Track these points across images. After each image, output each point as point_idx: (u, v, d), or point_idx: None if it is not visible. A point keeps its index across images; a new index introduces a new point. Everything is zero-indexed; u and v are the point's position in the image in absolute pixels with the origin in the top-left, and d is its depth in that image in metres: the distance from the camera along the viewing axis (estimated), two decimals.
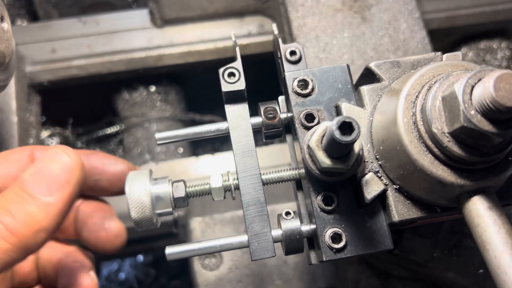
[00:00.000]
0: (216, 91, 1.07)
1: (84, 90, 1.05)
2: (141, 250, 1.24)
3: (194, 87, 1.14)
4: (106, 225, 0.65)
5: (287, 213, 0.55)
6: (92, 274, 0.66)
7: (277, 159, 0.91)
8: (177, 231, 0.91)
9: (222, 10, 1.01)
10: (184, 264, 1.27)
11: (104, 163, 0.64)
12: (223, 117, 1.21)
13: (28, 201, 0.50)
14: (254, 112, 0.60)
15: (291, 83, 0.55)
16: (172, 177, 0.58)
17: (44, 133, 1.03)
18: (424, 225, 0.63)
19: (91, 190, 0.66)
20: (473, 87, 0.41)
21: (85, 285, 0.64)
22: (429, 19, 0.99)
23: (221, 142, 1.38)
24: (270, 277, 0.82)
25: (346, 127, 0.42)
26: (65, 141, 1.11)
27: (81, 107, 1.13)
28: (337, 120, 0.42)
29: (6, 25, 0.62)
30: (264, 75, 0.94)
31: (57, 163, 0.53)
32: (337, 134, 0.42)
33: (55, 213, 0.51)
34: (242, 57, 0.58)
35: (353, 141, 0.42)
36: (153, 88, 1.07)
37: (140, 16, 1.02)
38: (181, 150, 1.05)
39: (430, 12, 1.00)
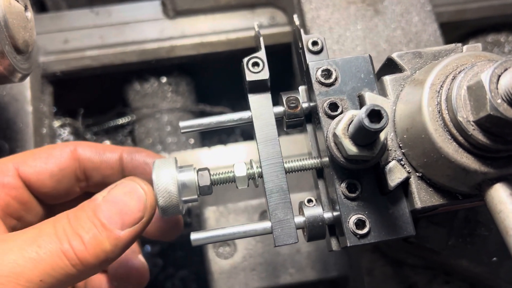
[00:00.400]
0: (226, 83, 1.08)
1: (94, 80, 1.05)
2: (148, 240, 1.25)
3: (204, 79, 1.15)
4: None
5: (309, 201, 0.56)
6: (142, 257, 0.67)
7: (290, 150, 0.91)
8: (190, 220, 0.92)
9: (234, 2, 1.01)
10: (191, 254, 1.28)
11: (147, 163, 0.63)
12: (233, 109, 1.21)
13: (100, 231, 0.50)
14: None
15: (315, 73, 0.55)
16: None
17: (56, 123, 1.03)
18: (439, 213, 0.65)
19: None
20: (499, 76, 0.42)
21: (136, 268, 0.65)
22: (439, 12, 1.00)
23: (227, 134, 1.38)
24: (283, 265, 0.84)
25: (375, 115, 0.43)
26: (75, 132, 1.11)
27: (92, 97, 1.14)
28: (366, 108, 0.43)
29: (29, 14, 0.63)
30: (275, 67, 0.95)
31: (133, 198, 0.52)
32: (366, 121, 0.43)
33: (122, 246, 0.51)
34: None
35: (382, 129, 0.43)
36: (164, 79, 1.08)
37: (152, 7, 1.02)
38: (192, 141, 1.06)
39: (440, 6, 1.01)
